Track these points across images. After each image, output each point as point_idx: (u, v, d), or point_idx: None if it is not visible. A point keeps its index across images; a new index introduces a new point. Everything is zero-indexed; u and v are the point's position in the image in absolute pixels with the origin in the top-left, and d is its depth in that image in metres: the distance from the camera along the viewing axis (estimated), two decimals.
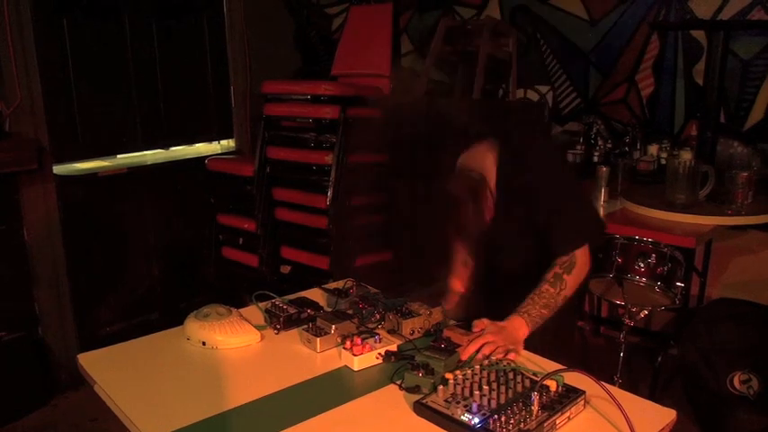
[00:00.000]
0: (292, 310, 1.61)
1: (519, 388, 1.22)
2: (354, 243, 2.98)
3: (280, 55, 4.14)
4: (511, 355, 1.39)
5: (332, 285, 1.82)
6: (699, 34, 2.97)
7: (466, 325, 1.51)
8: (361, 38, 3.57)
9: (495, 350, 1.37)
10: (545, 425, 1.12)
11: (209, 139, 3.89)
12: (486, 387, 1.20)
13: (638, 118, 3.20)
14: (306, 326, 1.52)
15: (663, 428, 1.17)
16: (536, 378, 1.24)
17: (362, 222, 2.95)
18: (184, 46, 3.59)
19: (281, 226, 3.23)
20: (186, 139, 3.74)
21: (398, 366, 1.35)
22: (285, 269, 3.23)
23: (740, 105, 2.90)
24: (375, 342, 1.42)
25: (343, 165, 2.91)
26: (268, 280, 3.18)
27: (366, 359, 1.39)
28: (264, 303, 1.68)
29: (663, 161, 2.91)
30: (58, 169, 3.09)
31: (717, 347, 2.50)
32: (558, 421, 1.14)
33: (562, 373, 1.23)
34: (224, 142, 3.96)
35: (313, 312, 1.60)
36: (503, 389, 1.21)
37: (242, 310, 1.63)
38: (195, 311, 1.58)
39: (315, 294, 1.78)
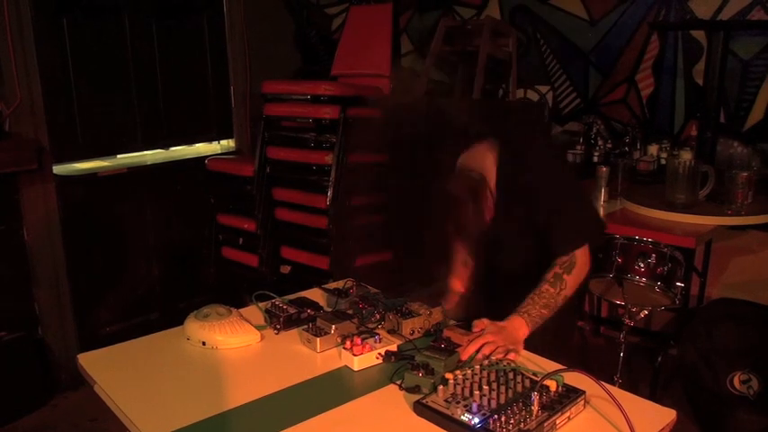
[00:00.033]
0: (292, 310, 1.61)
1: (519, 388, 1.22)
2: (354, 243, 2.98)
3: (279, 55, 4.14)
4: (511, 355, 1.38)
5: (332, 285, 1.82)
6: (699, 34, 2.97)
7: (466, 325, 1.51)
8: (361, 38, 3.57)
9: (495, 350, 1.37)
10: (545, 425, 1.12)
11: (209, 139, 3.89)
12: (486, 387, 1.20)
13: (638, 118, 3.20)
14: (306, 326, 1.52)
15: (663, 428, 1.17)
16: (536, 378, 1.24)
17: (362, 222, 2.94)
18: (184, 46, 3.59)
19: (280, 226, 3.23)
20: (186, 140, 3.73)
21: (398, 366, 1.35)
22: (285, 269, 3.23)
23: (740, 105, 2.90)
24: (375, 342, 1.42)
25: (343, 165, 2.90)
26: (268, 280, 3.18)
27: (366, 359, 1.39)
28: (264, 303, 1.68)
29: (663, 161, 2.91)
30: (58, 169, 3.09)
31: (717, 347, 2.50)
32: (557, 421, 1.15)
33: (562, 373, 1.23)
34: (224, 142, 3.95)
35: (313, 312, 1.60)
36: (503, 389, 1.21)
37: (242, 310, 1.63)
38: (195, 311, 1.58)
39: (315, 294, 1.78)
